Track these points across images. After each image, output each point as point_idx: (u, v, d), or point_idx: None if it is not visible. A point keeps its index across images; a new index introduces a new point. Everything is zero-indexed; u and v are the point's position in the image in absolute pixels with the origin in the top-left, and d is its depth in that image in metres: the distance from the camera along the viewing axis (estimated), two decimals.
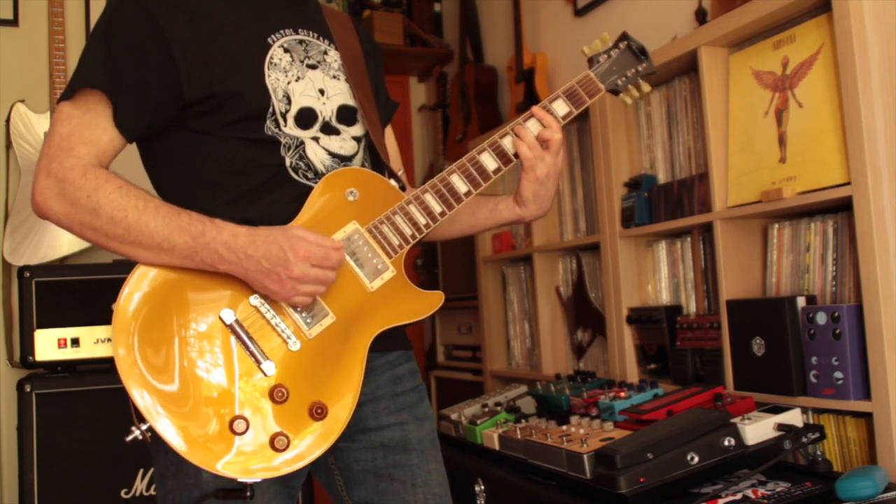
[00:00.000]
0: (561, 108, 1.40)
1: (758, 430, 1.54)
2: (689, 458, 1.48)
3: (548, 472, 1.73)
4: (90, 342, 2.49)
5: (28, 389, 2.38)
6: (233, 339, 1.18)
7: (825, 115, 1.68)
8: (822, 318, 1.63)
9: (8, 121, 2.87)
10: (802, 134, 1.74)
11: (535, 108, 1.38)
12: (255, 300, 1.20)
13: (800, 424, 1.57)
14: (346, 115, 1.35)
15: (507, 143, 1.37)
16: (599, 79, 1.45)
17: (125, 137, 1.23)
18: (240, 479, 1.13)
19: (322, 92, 1.32)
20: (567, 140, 2.60)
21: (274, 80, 1.26)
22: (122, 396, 1.13)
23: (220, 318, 1.18)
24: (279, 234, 1.17)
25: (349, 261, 1.26)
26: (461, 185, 1.34)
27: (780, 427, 1.55)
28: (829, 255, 1.73)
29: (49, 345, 2.45)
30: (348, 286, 1.25)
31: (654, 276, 2.25)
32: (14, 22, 3.05)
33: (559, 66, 3.01)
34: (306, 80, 1.30)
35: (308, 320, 1.22)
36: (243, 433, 1.14)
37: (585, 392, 2.03)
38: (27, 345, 2.44)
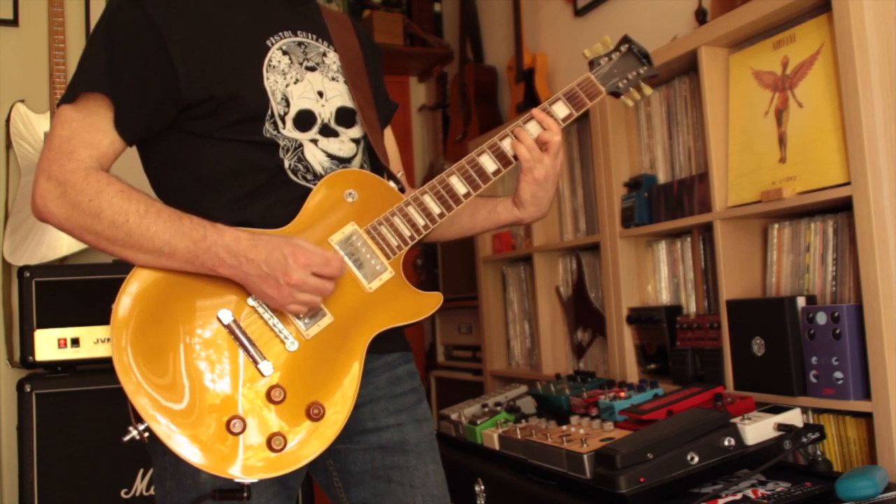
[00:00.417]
0: (561, 110, 1.40)
1: (758, 430, 1.54)
2: (689, 458, 1.48)
3: (548, 472, 1.72)
4: (90, 342, 2.49)
5: (28, 389, 2.38)
6: (230, 339, 1.18)
7: (825, 115, 1.68)
8: (822, 318, 1.63)
9: (8, 121, 2.87)
10: (802, 134, 1.74)
11: (535, 111, 1.38)
12: (252, 301, 1.20)
13: (800, 424, 1.57)
14: (344, 117, 1.35)
15: (507, 144, 1.37)
16: (600, 81, 1.45)
17: (125, 140, 1.23)
18: (237, 480, 1.13)
19: (321, 94, 1.32)
20: (567, 140, 2.60)
21: (272, 82, 1.26)
22: (122, 396, 1.13)
23: (218, 319, 1.18)
24: (281, 241, 1.17)
25: (348, 262, 1.26)
26: (460, 187, 1.34)
27: (780, 427, 1.54)
28: (829, 255, 1.73)
29: (49, 345, 2.45)
30: (347, 287, 1.25)
31: (654, 276, 2.24)
32: (14, 22, 3.05)
33: (559, 66, 3.01)
34: (305, 83, 1.30)
35: (306, 321, 1.22)
36: (240, 433, 1.14)
37: (585, 392, 2.03)
38: (27, 345, 2.44)
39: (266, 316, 1.20)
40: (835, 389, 1.60)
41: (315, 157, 1.30)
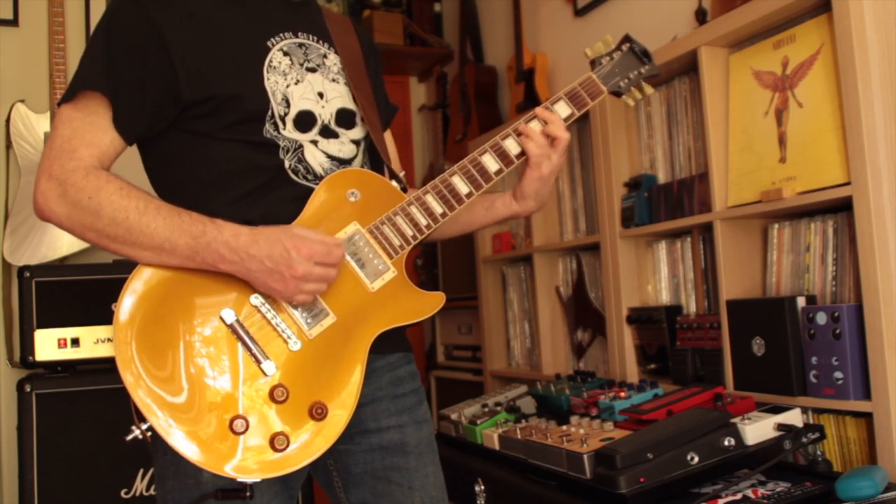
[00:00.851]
0: (563, 109, 1.40)
1: (758, 430, 1.54)
2: (689, 458, 1.48)
3: (548, 472, 1.73)
4: (90, 342, 2.48)
5: (28, 389, 2.37)
6: (233, 339, 1.18)
7: (825, 115, 1.68)
8: (822, 318, 1.63)
9: (8, 121, 2.87)
10: (802, 134, 1.74)
11: (538, 109, 1.39)
12: (255, 300, 1.20)
13: (800, 424, 1.57)
14: (344, 118, 1.35)
15: (509, 143, 1.37)
16: (601, 80, 1.45)
17: (125, 139, 1.23)
18: (239, 479, 1.13)
19: (321, 95, 1.32)
20: None
21: (273, 83, 1.27)
22: (123, 396, 1.13)
23: (221, 318, 1.18)
24: (281, 234, 1.17)
25: (350, 261, 1.26)
26: (462, 187, 1.34)
27: (780, 427, 1.55)
28: (829, 255, 1.73)
29: (49, 345, 2.45)
30: (349, 286, 1.25)
31: (654, 276, 2.25)
32: (14, 22, 3.05)
33: (559, 66, 3.01)
34: (305, 84, 1.30)
35: (309, 320, 1.22)
36: (243, 433, 1.14)
37: (585, 392, 2.03)
38: (27, 345, 2.44)
39: (269, 315, 1.20)
40: (835, 389, 1.61)
41: (315, 158, 1.30)
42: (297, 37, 1.33)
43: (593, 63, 1.47)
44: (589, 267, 2.51)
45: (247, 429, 1.14)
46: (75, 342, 2.47)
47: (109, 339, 2.43)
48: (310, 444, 1.18)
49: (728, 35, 1.88)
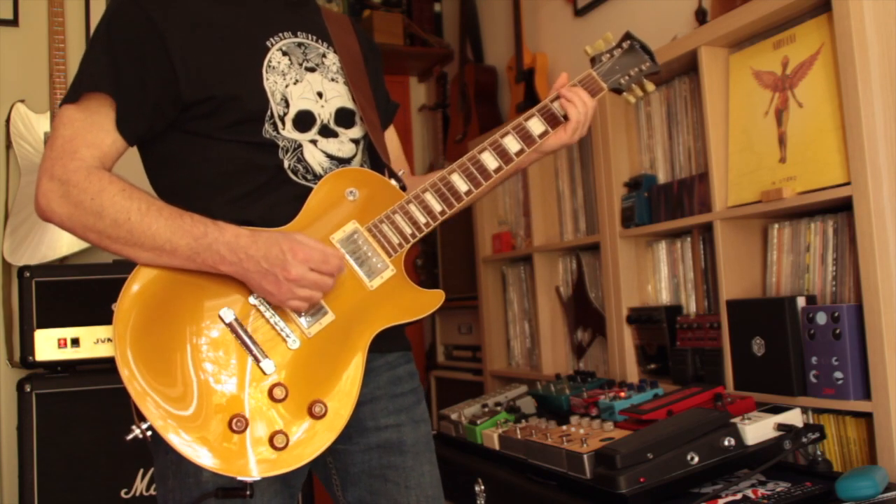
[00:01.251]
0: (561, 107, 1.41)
1: (758, 430, 1.54)
2: (689, 458, 1.48)
3: (548, 472, 1.73)
4: (90, 342, 2.48)
5: (28, 389, 2.37)
6: (232, 338, 1.18)
7: (825, 115, 1.68)
8: (822, 318, 1.63)
9: (8, 121, 2.87)
10: (802, 134, 1.74)
11: (564, 90, 1.41)
12: (254, 299, 1.20)
13: (800, 424, 1.57)
14: (344, 117, 1.35)
15: (509, 141, 1.38)
16: (602, 78, 1.45)
17: (127, 140, 1.23)
18: (239, 478, 1.13)
19: (320, 95, 1.32)
20: None
21: (272, 83, 1.27)
22: (123, 396, 1.13)
23: (220, 317, 1.18)
24: (280, 237, 1.17)
25: (349, 259, 1.26)
26: (461, 185, 1.34)
27: (780, 427, 1.55)
28: (829, 255, 1.73)
29: (49, 345, 2.45)
30: (348, 285, 1.25)
31: (654, 276, 2.25)
32: (14, 22, 3.05)
33: (559, 66, 3.01)
34: (304, 83, 1.30)
35: (308, 319, 1.22)
36: (242, 431, 1.14)
37: (585, 392, 2.03)
38: (27, 345, 2.44)
39: (268, 314, 1.20)
40: (835, 389, 1.60)
41: (314, 157, 1.30)
42: (296, 36, 1.33)
43: (593, 60, 1.47)
44: (589, 267, 2.51)
45: (246, 427, 1.14)
46: (75, 342, 2.47)
47: (110, 339, 2.42)
48: (309, 442, 1.18)
49: (728, 35, 1.88)
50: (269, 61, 1.28)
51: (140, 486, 2.44)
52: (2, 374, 2.87)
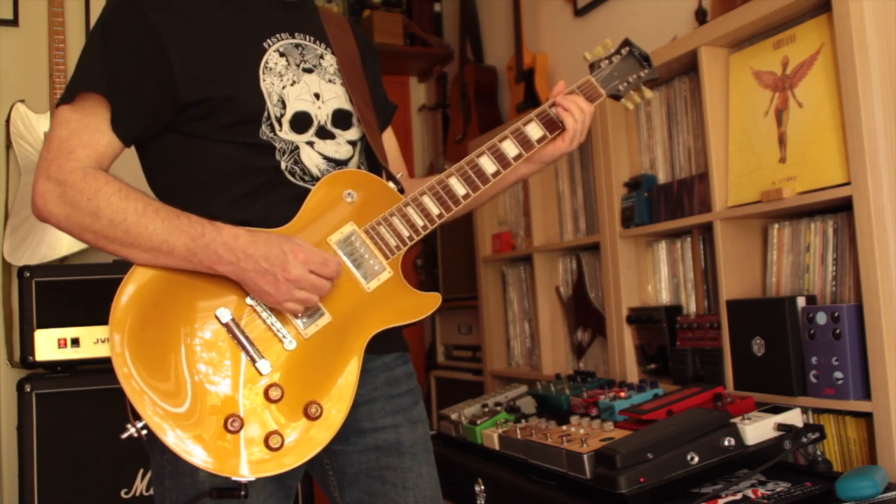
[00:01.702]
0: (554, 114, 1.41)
1: (758, 430, 1.54)
2: (689, 458, 1.48)
3: (548, 472, 1.72)
4: (90, 342, 2.48)
5: (28, 389, 2.37)
6: (228, 338, 1.18)
7: (825, 115, 1.68)
8: (822, 318, 1.63)
9: (8, 121, 2.87)
10: (802, 134, 1.74)
11: (559, 98, 1.41)
12: (250, 299, 1.20)
13: (800, 424, 1.57)
14: (341, 119, 1.35)
15: (507, 146, 1.38)
16: (600, 84, 1.45)
17: (123, 141, 1.23)
18: (234, 479, 1.13)
19: (317, 96, 1.32)
20: None
21: (269, 84, 1.26)
22: (123, 396, 1.13)
23: (217, 317, 1.18)
24: (281, 238, 1.17)
25: (346, 261, 1.26)
26: (459, 188, 1.34)
27: (780, 427, 1.54)
28: (829, 255, 1.72)
29: (49, 345, 2.45)
30: (345, 287, 1.25)
31: (654, 276, 2.24)
32: (14, 22, 3.05)
33: (559, 67, 3.01)
34: (301, 85, 1.30)
35: (304, 320, 1.22)
36: (237, 431, 1.14)
37: (585, 392, 2.03)
38: (27, 345, 2.44)
39: (264, 315, 1.20)
40: (835, 389, 1.60)
41: (311, 159, 1.30)
42: (293, 37, 1.33)
43: (592, 66, 1.48)
44: (589, 267, 2.51)
45: (241, 427, 1.14)
46: (75, 342, 2.47)
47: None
48: (304, 443, 1.18)
49: (728, 35, 1.88)
50: (266, 62, 1.28)
51: (140, 486, 2.44)
52: (2, 374, 2.87)
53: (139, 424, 1.13)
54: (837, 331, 1.59)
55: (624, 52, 1.47)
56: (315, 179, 1.29)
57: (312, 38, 1.36)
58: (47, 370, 2.48)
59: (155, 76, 1.21)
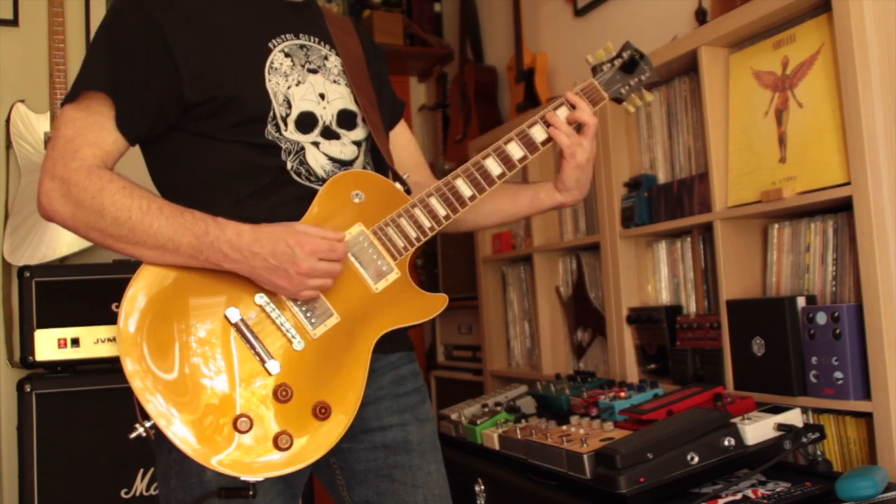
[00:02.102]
0: (564, 115, 1.41)
1: (758, 430, 1.54)
2: (689, 458, 1.48)
3: (548, 472, 1.73)
4: (90, 342, 2.48)
5: (28, 389, 2.37)
6: (238, 338, 1.18)
7: (825, 115, 1.69)
8: (822, 318, 1.63)
9: (8, 121, 2.87)
10: (802, 134, 1.74)
11: (568, 94, 1.41)
12: (260, 299, 1.20)
13: (800, 424, 1.57)
14: (346, 119, 1.35)
15: (512, 147, 1.38)
16: (603, 87, 1.46)
17: (128, 139, 1.23)
18: (242, 478, 1.14)
19: (322, 96, 1.32)
20: None
21: (274, 84, 1.27)
22: (123, 396, 1.13)
23: (226, 317, 1.18)
24: (284, 231, 1.18)
25: (354, 262, 1.27)
26: (465, 190, 1.35)
27: (780, 427, 1.55)
28: (829, 255, 1.73)
29: (49, 345, 2.45)
30: (353, 287, 1.26)
31: (654, 276, 2.25)
32: (14, 22, 3.05)
33: (559, 66, 3.01)
34: (307, 85, 1.31)
35: (313, 320, 1.22)
36: (247, 431, 1.14)
37: (585, 392, 2.03)
38: (27, 345, 2.44)
39: (273, 315, 1.20)
40: (835, 389, 1.61)
41: (316, 160, 1.30)
42: (298, 38, 1.33)
43: (595, 70, 1.48)
44: (589, 267, 2.51)
45: (251, 428, 1.15)
46: (75, 342, 2.47)
47: (110, 339, 2.42)
48: (313, 443, 1.18)
49: (728, 35, 1.88)
50: (272, 63, 1.28)
51: (140, 486, 2.44)
52: (2, 374, 2.87)
53: (148, 424, 1.13)
54: (837, 331, 1.60)
55: (625, 55, 1.48)
56: (320, 180, 1.30)
57: (317, 40, 1.37)
58: (47, 370, 2.48)
59: (160, 75, 1.21)
